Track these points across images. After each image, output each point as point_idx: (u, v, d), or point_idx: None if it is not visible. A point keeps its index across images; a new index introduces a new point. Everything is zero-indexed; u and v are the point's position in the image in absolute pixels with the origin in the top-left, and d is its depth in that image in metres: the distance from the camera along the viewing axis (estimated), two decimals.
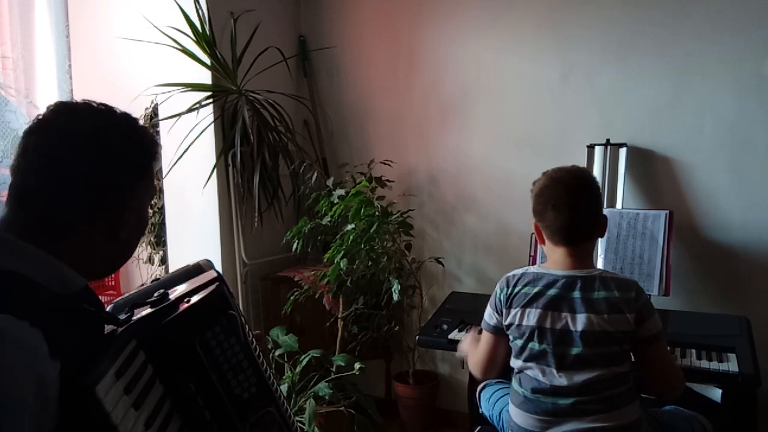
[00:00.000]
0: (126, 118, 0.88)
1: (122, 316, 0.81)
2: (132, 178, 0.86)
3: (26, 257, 0.75)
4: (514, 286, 1.61)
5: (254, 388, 0.86)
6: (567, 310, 1.51)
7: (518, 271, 1.64)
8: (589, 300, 1.50)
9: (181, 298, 0.84)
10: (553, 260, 1.60)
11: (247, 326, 0.89)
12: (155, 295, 0.85)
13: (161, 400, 0.79)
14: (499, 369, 1.71)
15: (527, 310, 1.56)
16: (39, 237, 0.78)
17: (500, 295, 1.64)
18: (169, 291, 0.88)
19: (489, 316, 1.69)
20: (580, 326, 1.49)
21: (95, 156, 0.82)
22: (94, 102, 0.87)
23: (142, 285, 1.01)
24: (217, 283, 0.88)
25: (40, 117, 0.83)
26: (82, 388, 0.66)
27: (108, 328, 0.78)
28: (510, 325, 1.60)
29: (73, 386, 0.66)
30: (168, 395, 0.80)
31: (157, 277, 1.02)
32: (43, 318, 0.67)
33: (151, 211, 3.15)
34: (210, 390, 0.82)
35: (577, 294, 1.51)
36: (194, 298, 0.84)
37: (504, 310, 1.62)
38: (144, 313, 0.81)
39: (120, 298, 0.95)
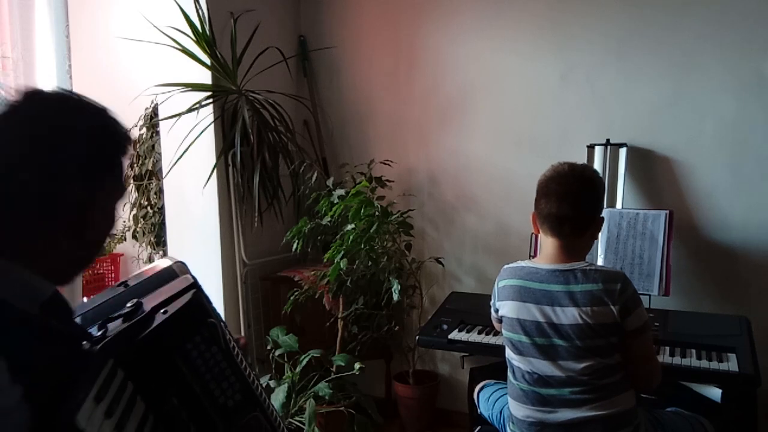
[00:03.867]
0: (97, 108, 0.82)
1: (95, 331, 0.78)
2: (97, 172, 0.79)
3: None
4: (505, 279, 1.67)
5: (238, 395, 0.84)
6: (549, 303, 1.53)
7: (512, 265, 1.69)
8: (571, 293, 1.51)
9: (156, 309, 0.80)
10: (544, 253, 1.63)
11: (228, 332, 0.86)
12: (128, 305, 0.82)
13: (144, 418, 0.76)
14: None
15: (513, 303, 1.60)
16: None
17: (494, 289, 1.73)
18: (143, 300, 0.84)
19: (492, 305, 1.77)
20: (563, 319, 1.51)
21: (57, 145, 0.76)
22: (68, 91, 0.83)
23: (118, 285, 0.95)
24: (193, 290, 0.84)
25: (9, 102, 0.78)
26: (61, 419, 0.63)
27: (84, 344, 0.74)
28: (502, 317, 1.66)
29: (52, 417, 0.63)
30: (151, 411, 0.77)
31: (126, 281, 0.95)
32: (5, 340, 0.63)
33: (151, 210, 3.15)
34: (193, 402, 0.80)
35: (559, 287, 1.53)
36: (171, 309, 0.80)
37: (497, 302, 1.70)
38: (119, 327, 0.77)
39: (88, 308, 0.89)
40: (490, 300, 1.78)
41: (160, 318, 0.78)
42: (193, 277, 0.90)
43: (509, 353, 1.65)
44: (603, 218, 1.64)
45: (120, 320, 0.79)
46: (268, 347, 2.48)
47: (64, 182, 0.76)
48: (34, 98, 0.79)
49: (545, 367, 1.54)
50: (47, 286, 0.76)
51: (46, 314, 0.74)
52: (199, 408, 0.80)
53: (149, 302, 0.83)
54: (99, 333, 0.77)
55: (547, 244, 1.61)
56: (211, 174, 2.63)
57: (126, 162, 0.85)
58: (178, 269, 0.94)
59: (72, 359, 0.70)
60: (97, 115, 0.81)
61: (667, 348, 1.94)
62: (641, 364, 1.56)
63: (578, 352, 1.50)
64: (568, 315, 1.50)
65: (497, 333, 2.11)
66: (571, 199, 1.55)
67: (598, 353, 1.50)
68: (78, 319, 0.87)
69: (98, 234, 0.82)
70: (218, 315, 0.86)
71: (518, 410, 1.61)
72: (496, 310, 1.71)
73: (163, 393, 0.78)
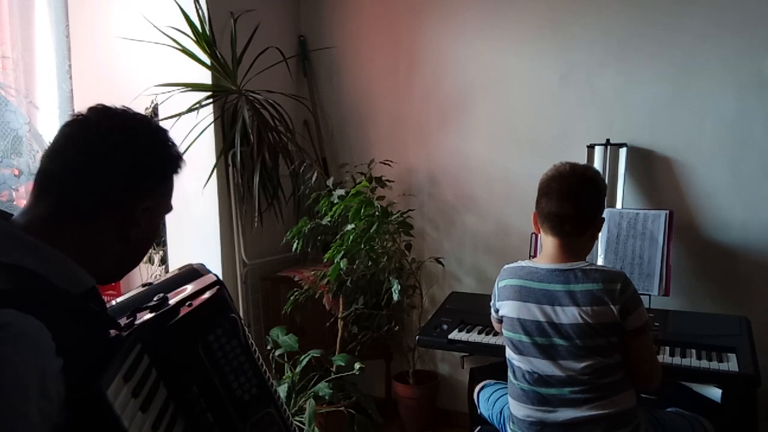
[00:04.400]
0: (159, 128, 0.92)
1: (124, 320, 0.81)
2: (151, 181, 0.89)
3: (39, 254, 0.76)
4: (506, 278, 1.67)
5: (255, 389, 0.87)
6: (550, 302, 1.53)
7: (513, 265, 1.69)
8: (571, 293, 1.51)
9: (182, 302, 0.84)
10: (544, 253, 1.63)
11: (246, 329, 0.90)
12: (155, 299, 0.85)
13: (166, 403, 0.79)
14: None
15: (512, 302, 1.61)
16: (53, 229, 0.80)
17: (495, 289, 1.72)
18: (169, 295, 0.88)
19: (492, 306, 1.76)
20: (563, 319, 1.51)
21: (122, 153, 0.86)
22: (131, 109, 0.92)
23: (143, 286, 1.00)
24: (217, 287, 0.88)
25: (80, 113, 0.88)
26: (93, 391, 0.66)
27: (111, 332, 0.78)
28: (502, 316, 1.66)
29: (84, 388, 0.67)
30: (172, 398, 0.80)
31: (150, 281, 1.01)
32: (49, 314, 0.68)
33: None
34: (212, 392, 0.83)
35: (559, 287, 1.53)
36: (195, 302, 0.84)
37: (497, 302, 1.70)
38: (147, 317, 0.81)
39: (115, 304, 0.94)
40: (490, 300, 1.78)
41: (185, 310, 0.83)
42: (216, 276, 0.94)
43: (509, 353, 1.65)
44: (604, 218, 1.64)
45: (147, 311, 0.83)
46: (268, 347, 2.48)
47: (120, 183, 0.85)
48: (103, 111, 0.89)
49: (545, 367, 1.54)
50: (88, 279, 0.81)
51: (84, 299, 0.79)
52: (217, 399, 0.83)
53: (174, 297, 0.87)
54: (127, 321, 0.80)
55: (548, 243, 1.61)
56: (211, 174, 2.63)
57: (176, 179, 0.95)
58: (200, 268, 0.99)
59: (103, 342, 0.75)
60: (159, 133, 0.92)
61: (667, 348, 1.94)
62: (641, 364, 1.56)
63: (578, 351, 1.50)
64: (568, 314, 1.50)
65: (497, 333, 2.11)
66: (572, 199, 1.55)
67: (599, 353, 1.50)
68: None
69: (143, 236, 0.89)
70: (238, 312, 0.90)
71: (518, 410, 1.61)
72: (497, 310, 1.72)
73: (185, 381, 0.81)
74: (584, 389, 1.51)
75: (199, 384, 0.82)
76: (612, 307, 1.48)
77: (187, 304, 0.84)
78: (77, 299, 0.76)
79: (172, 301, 0.85)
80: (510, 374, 1.66)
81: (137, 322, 0.80)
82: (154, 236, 0.93)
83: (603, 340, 1.50)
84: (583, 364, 1.50)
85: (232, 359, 0.85)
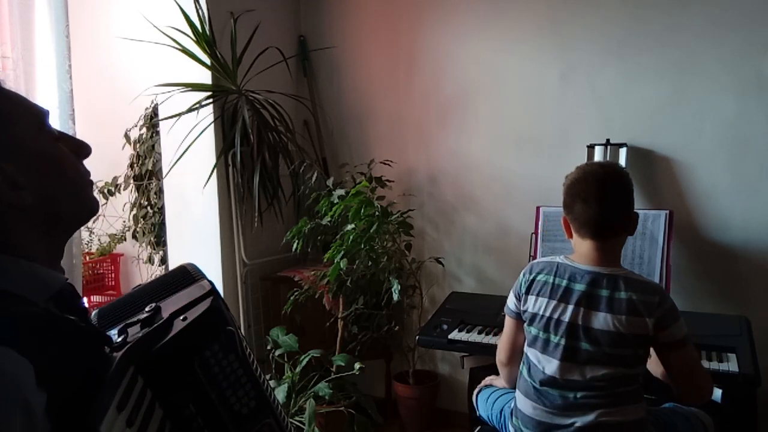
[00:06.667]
0: None
1: (114, 335, 0.77)
2: None
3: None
4: (537, 273, 1.61)
5: (253, 402, 0.84)
6: (587, 306, 1.51)
7: (545, 259, 1.65)
8: (611, 299, 1.49)
9: (175, 314, 0.80)
10: (580, 253, 1.58)
11: (244, 339, 0.87)
12: (146, 310, 0.82)
13: (162, 425, 0.76)
14: (520, 355, 1.69)
15: (544, 299, 1.57)
16: None
17: (521, 280, 1.65)
18: (161, 305, 0.84)
19: (510, 301, 1.70)
20: (596, 324, 1.49)
21: None
22: None
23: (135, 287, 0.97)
24: (212, 297, 0.84)
25: None
26: (83, 428, 0.62)
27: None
28: (525, 311, 1.61)
29: (74, 425, 0.62)
30: (168, 418, 0.77)
31: (140, 283, 0.96)
32: (28, 341, 0.61)
33: (151, 210, 3.15)
34: (209, 409, 0.80)
35: (603, 292, 1.50)
36: (190, 315, 0.80)
37: (522, 296, 1.64)
38: (139, 334, 0.77)
39: (105, 306, 0.90)
40: (513, 291, 1.70)
41: (179, 325, 0.79)
42: (210, 281, 0.90)
43: (529, 350, 1.61)
44: (638, 214, 1.59)
45: (138, 325, 0.79)
46: (268, 347, 2.48)
47: None
48: None
49: (565, 369, 1.51)
50: (55, 275, 0.74)
51: (61, 309, 0.72)
52: (214, 415, 0.81)
53: (167, 308, 0.83)
54: (120, 339, 0.77)
55: (584, 246, 1.56)
56: (211, 174, 2.63)
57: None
58: (192, 270, 0.95)
59: (93, 362, 0.69)
60: None
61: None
62: (687, 379, 1.52)
63: (603, 358, 1.48)
64: (601, 320, 1.48)
65: (498, 333, 2.10)
66: (612, 202, 1.52)
67: (622, 362, 1.49)
68: (94, 318, 0.87)
69: (34, 187, 0.71)
70: (234, 320, 0.86)
71: (527, 407, 1.59)
72: (519, 301, 1.65)
73: (181, 400, 0.78)
74: (597, 395, 1.49)
75: (195, 401, 0.79)
76: (647, 319, 1.45)
77: (181, 317, 0.80)
78: (63, 317, 0.68)
79: (164, 313, 0.81)
80: (524, 370, 1.63)
81: (129, 339, 0.76)
82: (60, 167, 0.75)
83: (630, 351, 1.48)
84: (603, 372, 1.48)
85: (229, 374, 0.82)
